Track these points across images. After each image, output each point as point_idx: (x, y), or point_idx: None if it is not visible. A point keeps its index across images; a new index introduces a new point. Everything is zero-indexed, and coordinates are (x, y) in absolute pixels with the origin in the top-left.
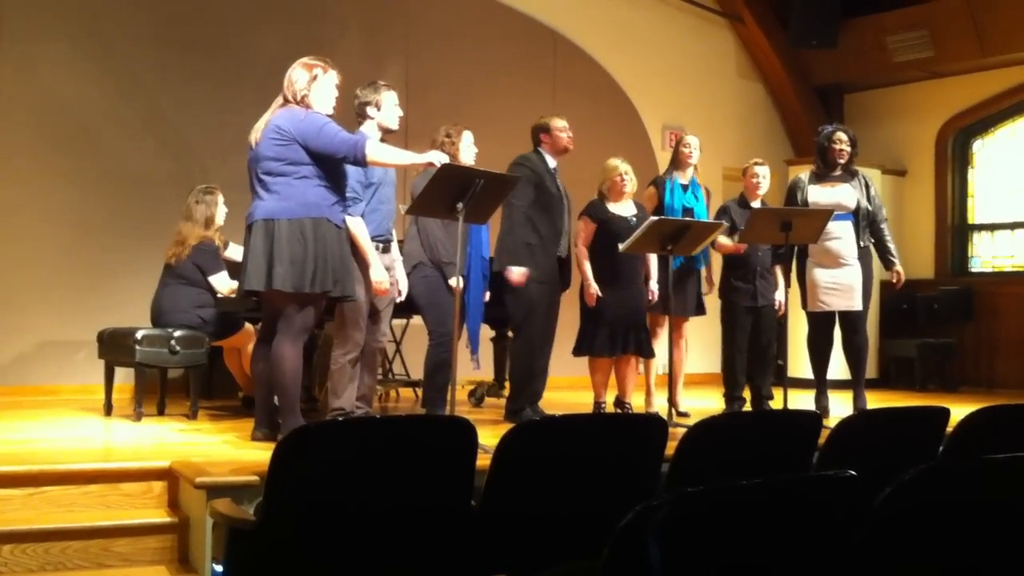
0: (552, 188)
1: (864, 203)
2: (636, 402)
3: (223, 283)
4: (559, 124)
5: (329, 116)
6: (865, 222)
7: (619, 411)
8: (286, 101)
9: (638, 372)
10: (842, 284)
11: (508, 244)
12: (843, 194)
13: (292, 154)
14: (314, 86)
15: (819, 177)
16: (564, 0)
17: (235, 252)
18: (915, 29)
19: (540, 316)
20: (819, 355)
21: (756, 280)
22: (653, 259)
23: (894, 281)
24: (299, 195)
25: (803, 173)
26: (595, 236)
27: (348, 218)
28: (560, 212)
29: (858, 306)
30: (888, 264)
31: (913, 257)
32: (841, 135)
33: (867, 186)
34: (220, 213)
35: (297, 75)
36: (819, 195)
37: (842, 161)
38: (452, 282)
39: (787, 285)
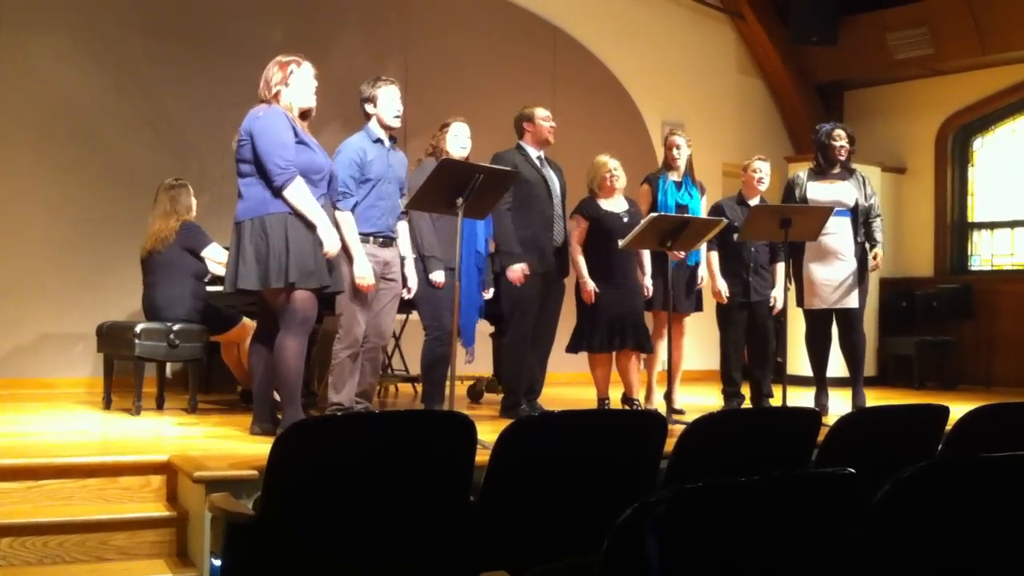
0: (533, 178)
1: (862, 201)
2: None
3: (218, 253)
4: (542, 114)
5: (308, 108)
6: (862, 219)
7: (627, 407)
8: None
9: (640, 368)
10: (838, 281)
11: (501, 244)
12: (842, 191)
13: (248, 153)
14: (291, 81)
15: (818, 174)
16: None
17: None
18: (915, 26)
19: (530, 311)
20: (817, 353)
21: (749, 275)
22: (646, 255)
23: (871, 263)
24: (257, 194)
25: (801, 171)
26: (588, 234)
27: (337, 212)
28: (546, 200)
29: (854, 304)
30: (871, 245)
31: (912, 255)
32: (840, 132)
33: (864, 183)
34: (193, 204)
35: (268, 74)
36: (818, 192)
37: (842, 158)
38: (433, 276)
39: (788, 282)
